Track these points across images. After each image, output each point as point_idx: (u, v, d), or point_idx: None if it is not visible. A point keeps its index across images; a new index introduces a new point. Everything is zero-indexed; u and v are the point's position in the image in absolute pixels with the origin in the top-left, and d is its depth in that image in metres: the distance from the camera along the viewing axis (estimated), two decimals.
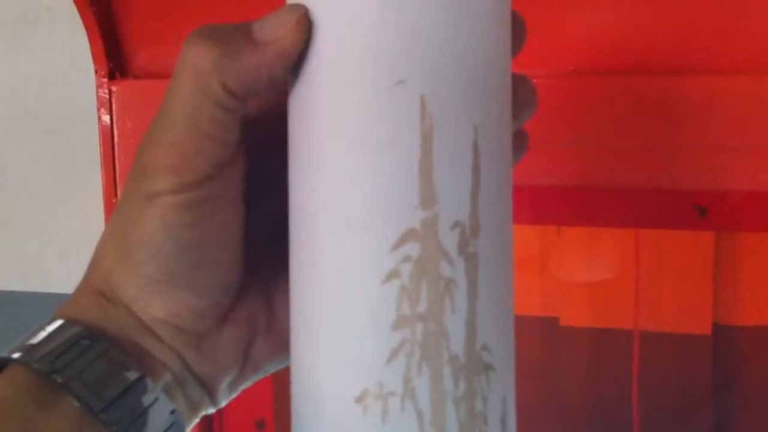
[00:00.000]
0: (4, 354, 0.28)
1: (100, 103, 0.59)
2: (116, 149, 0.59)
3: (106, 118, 0.59)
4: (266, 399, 0.59)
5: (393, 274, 0.27)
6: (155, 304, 0.30)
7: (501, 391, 0.29)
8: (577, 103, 0.50)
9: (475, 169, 0.28)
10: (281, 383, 0.62)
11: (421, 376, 0.27)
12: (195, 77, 0.28)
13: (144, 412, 0.28)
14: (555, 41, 0.51)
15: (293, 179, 0.30)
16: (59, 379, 0.27)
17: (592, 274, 0.64)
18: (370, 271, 0.28)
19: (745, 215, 0.49)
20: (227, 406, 0.61)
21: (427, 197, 0.27)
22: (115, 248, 0.30)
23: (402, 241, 0.27)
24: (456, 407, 0.28)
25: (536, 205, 0.53)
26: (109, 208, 0.60)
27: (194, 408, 0.32)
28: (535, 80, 0.52)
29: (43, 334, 0.29)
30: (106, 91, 0.59)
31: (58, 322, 0.30)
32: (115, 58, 0.59)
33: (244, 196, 0.31)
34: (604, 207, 0.51)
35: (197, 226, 0.29)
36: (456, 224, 0.28)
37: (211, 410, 0.33)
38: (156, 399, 0.29)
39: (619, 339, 0.65)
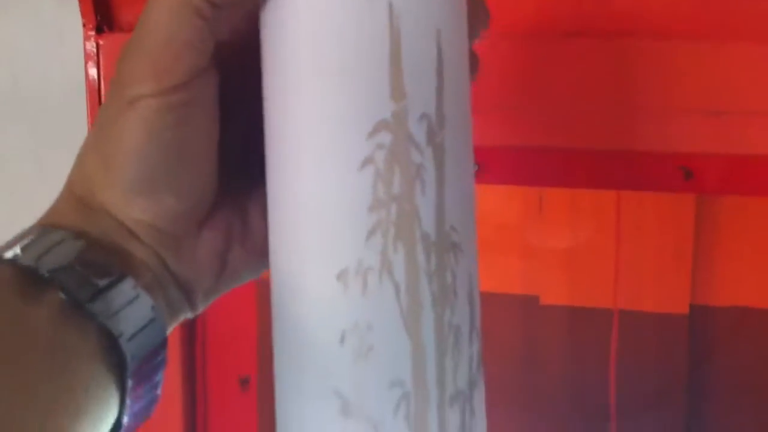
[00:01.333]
0: None
1: (88, 57, 0.58)
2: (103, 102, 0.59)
3: (93, 71, 0.59)
4: (251, 356, 0.58)
5: (368, 161, 0.30)
6: (137, 207, 0.31)
7: (467, 268, 0.32)
8: (569, 64, 0.51)
9: (439, 67, 0.31)
10: (265, 340, 0.62)
11: (397, 253, 0.30)
12: None
13: (125, 306, 0.29)
14: (540, 3, 0.52)
15: (268, 77, 0.32)
16: (45, 273, 0.28)
17: (573, 242, 0.64)
18: (348, 158, 0.30)
19: (730, 179, 0.50)
20: (210, 362, 0.61)
21: (398, 91, 0.30)
22: (96, 154, 0.31)
23: (375, 130, 0.30)
24: (429, 280, 0.30)
25: (520, 166, 0.53)
26: None
27: (174, 311, 0.33)
28: (520, 42, 0.53)
29: (25, 241, 0.29)
30: (94, 45, 0.58)
31: (40, 228, 0.30)
32: (102, 12, 0.59)
33: (219, 106, 0.32)
34: (589, 168, 0.52)
35: (177, 129, 0.30)
36: (423, 116, 0.30)
37: (190, 315, 0.34)
38: (137, 295, 0.30)
39: (598, 318, 0.65)
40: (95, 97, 0.59)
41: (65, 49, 0.70)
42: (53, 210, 0.32)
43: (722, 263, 0.63)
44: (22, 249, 0.29)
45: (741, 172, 0.49)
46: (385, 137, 0.30)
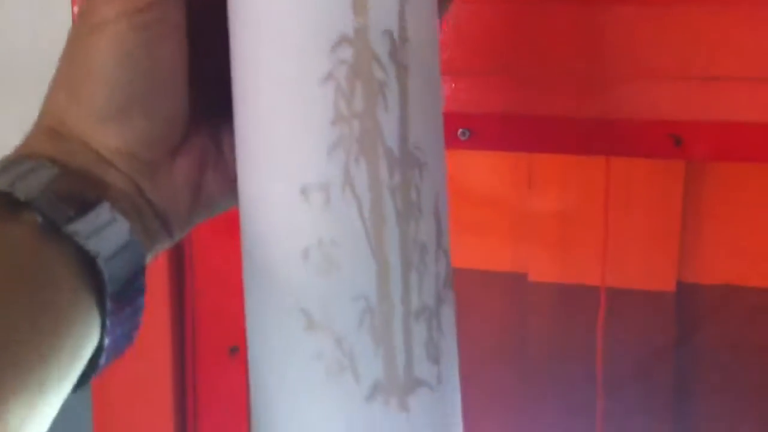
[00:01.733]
0: None
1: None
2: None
3: None
4: (240, 325, 0.58)
5: (329, 76, 0.30)
6: (109, 133, 0.31)
7: (433, 187, 0.32)
8: (559, 30, 0.51)
9: None
10: None
11: (359, 167, 0.30)
12: None
13: (102, 228, 0.29)
14: None
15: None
16: (21, 197, 0.28)
17: (562, 217, 0.65)
18: (308, 72, 0.30)
19: (720, 146, 0.51)
20: (200, 332, 0.61)
21: (360, 6, 0.30)
22: (66, 83, 0.31)
23: (337, 45, 0.30)
24: (392, 195, 0.30)
25: (510, 132, 0.54)
26: None
27: (152, 240, 0.33)
28: (504, 4, 0.53)
29: None
30: None
31: (14, 158, 0.30)
32: None
33: (189, 30, 0.32)
34: (579, 134, 0.52)
35: (144, 51, 0.30)
36: (386, 33, 0.30)
37: (168, 244, 0.34)
38: (114, 219, 0.30)
39: (585, 295, 0.66)
40: None
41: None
42: (26, 142, 0.31)
43: (709, 241, 0.64)
44: None
45: (730, 139, 0.50)
46: (347, 52, 0.30)
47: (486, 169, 0.67)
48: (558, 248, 0.67)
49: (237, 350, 0.59)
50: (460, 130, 0.53)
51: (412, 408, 0.31)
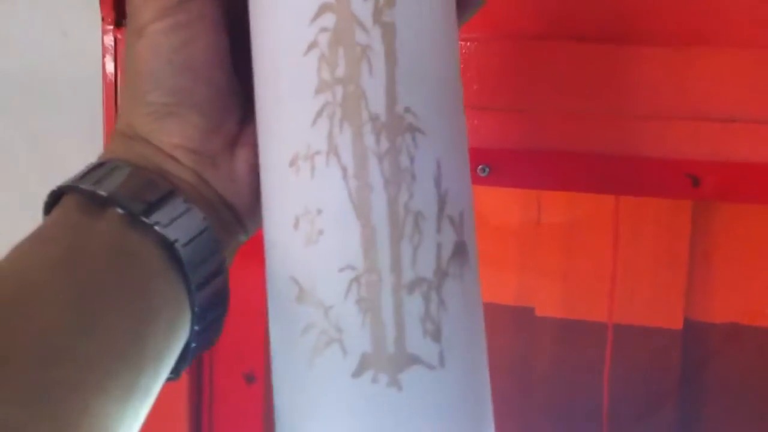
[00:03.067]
0: (55, 189, 0.31)
1: (105, 51, 0.59)
2: (119, 97, 0.59)
3: (110, 66, 0.59)
4: (257, 352, 0.58)
5: (313, 45, 0.30)
6: (167, 130, 0.33)
7: (433, 153, 0.30)
8: (575, 67, 0.52)
9: None
10: None
11: (343, 134, 0.30)
12: None
13: (178, 217, 0.31)
14: (555, 3, 0.53)
15: None
16: (103, 193, 0.30)
17: (569, 253, 0.65)
18: (293, 44, 0.30)
19: (736, 186, 0.51)
20: (217, 358, 0.61)
21: None
22: (127, 88, 0.33)
23: (319, 13, 0.30)
24: (379, 161, 0.30)
25: (524, 168, 0.54)
26: None
27: (228, 231, 0.35)
28: (526, 42, 0.54)
29: (80, 173, 0.32)
30: (112, 39, 0.59)
31: (93, 163, 0.32)
32: (121, 6, 0.60)
33: (226, 22, 0.33)
34: (591, 172, 0.53)
35: (185, 49, 0.32)
36: None
37: (243, 235, 0.36)
38: (188, 208, 0.32)
39: (593, 331, 0.66)
40: (112, 91, 0.59)
41: (74, 42, 0.71)
42: (107, 147, 0.34)
43: (717, 279, 0.64)
44: (81, 179, 0.31)
45: (747, 180, 0.51)
46: (329, 19, 0.29)
47: (495, 202, 0.67)
48: (565, 283, 0.67)
49: (253, 378, 0.59)
50: (480, 166, 0.54)
51: (405, 386, 0.30)
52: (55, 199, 0.32)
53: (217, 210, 0.34)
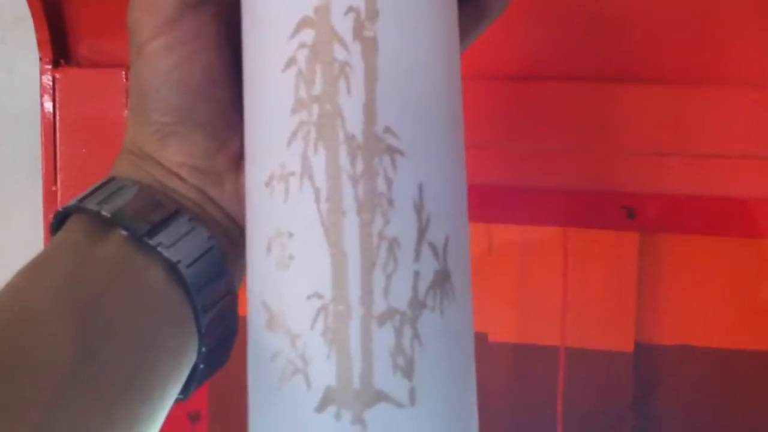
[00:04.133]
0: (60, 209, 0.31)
1: (44, 90, 0.58)
2: (57, 136, 0.59)
3: (49, 105, 0.59)
4: (200, 390, 0.58)
5: (291, 62, 0.28)
6: (171, 149, 0.32)
7: (414, 177, 0.28)
8: (519, 105, 0.53)
9: None
10: (216, 374, 0.61)
11: (318, 155, 0.28)
12: None
13: (182, 237, 0.31)
14: (494, 48, 0.54)
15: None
16: (107, 214, 0.30)
17: (521, 280, 0.66)
18: (272, 60, 0.29)
19: (671, 218, 0.52)
20: None
21: None
22: (131, 107, 0.33)
23: (298, 28, 0.28)
24: (353, 185, 0.28)
25: (470, 203, 0.55)
26: (48, 195, 0.59)
27: (237, 247, 0.34)
28: (475, 83, 0.54)
29: (87, 191, 0.31)
30: (50, 79, 0.59)
31: (102, 182, 0.32)
32: (59, 46, 0.60)
33: (224, 39, 0.32)
34: (537, 206, 0.54)
35: (184, 67, 0.31)
36: (350, 9, 0.28)
37: None
38: (193, 228, 0.31)
39: (545, 355, 0.67)
40: (50, 130, 0.59)
41: (20, 79, 0.71)
42: (114, 166, 0.33)
43: (666, 302, 0.65)
44: (87, 198, 0.31)
45: (681, 212, 0.52)
46: (308, 35, 0.28)
47: None
48: (517, 308, 0.68)
49: (198, 418, 0.59)
50: None
51: (370, 425, 0.28)
52: (61, 219, 0.31)
53: (224, 228, 0.33)
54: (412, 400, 0.28)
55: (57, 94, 0.57)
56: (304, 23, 0.28)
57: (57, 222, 0.32)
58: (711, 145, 0.51)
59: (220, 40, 0.32)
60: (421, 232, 0.28)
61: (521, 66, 0.53)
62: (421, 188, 0.28)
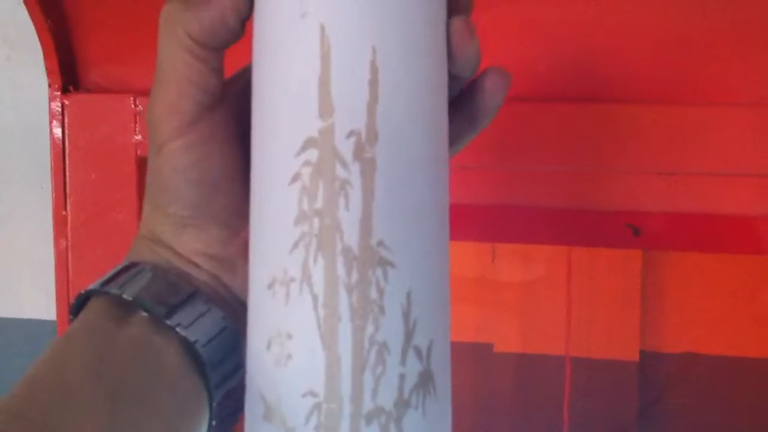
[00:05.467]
0: (82, 292, 0.34)
1: (52, 116, 0.59)
2: (67, 162, 0.60)
3: (58, 131, 0.60)
4: None
5: (296, 177, 0.31)
6: (187, 238, 0.35)
7: (403, 286, 0.31)
8: (523, 126, 0.54)
9: (372, 84, 0.31)
10: None
11: (317, 264, 0.31)
12: (165, 27, 0.34)
13: (199, 317, 0.34)
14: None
15: (252, 112, 0.34)
16: (129, 298, 0.33)
17: (526, 290, 0.67)
18: (279, 175, 0.32)
19: (675, 236, 0.53)
20: None
21: (325, 109, 0.31)
22: (149, 198, 0.36)
23: (304, 147, 0.31)
24: (348, 293, 0.31)
25: (475, 222, 0.56)
26: (58, 220, 0.60)
27: (245, 330, 0.35)
28: None
29: (108, 275, 0.34)
30: (59, 105, 0.60)
31: (120, 266, 0.35)
32: (68, 73, 0.60)
33: (240, 139, 0.35)
34: (542, 224, 0.55)
35: (201, 165, 0.34)
36: (352, 133, 0.31)
37: None
38: (209, 309, 0.34)
39: (551, 364, 0.67)
40: (60, 155, 0.60)
41: (24, 108, 0.72)
42: (130, 252, 0.36)
43: (669, 311, 0.66)
44: (108, 283, 0.34)
45: (684, 229, 0.53)
46: (312, 154, 0.31)
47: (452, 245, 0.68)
48: (522, 318, 0.68)
49: None
50: None
51: None
52: (82, 301, 0.34)
53: (235, 311, 0.36)
54: None
55: (66, 119, 0.58)
56: (309, 143, 0.31)
57: (78, 303, 0.34)
58: (712, 164, 0.52)
59: (233, 138, 0.35)
60: (408, 336, 0.31)
61: (524, 87, 0.54)
62: (409, 296, 0.31)
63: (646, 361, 0.67)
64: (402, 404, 0.31)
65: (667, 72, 0.53)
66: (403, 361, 0.31)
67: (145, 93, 0.60)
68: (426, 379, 0.32)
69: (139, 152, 0.60)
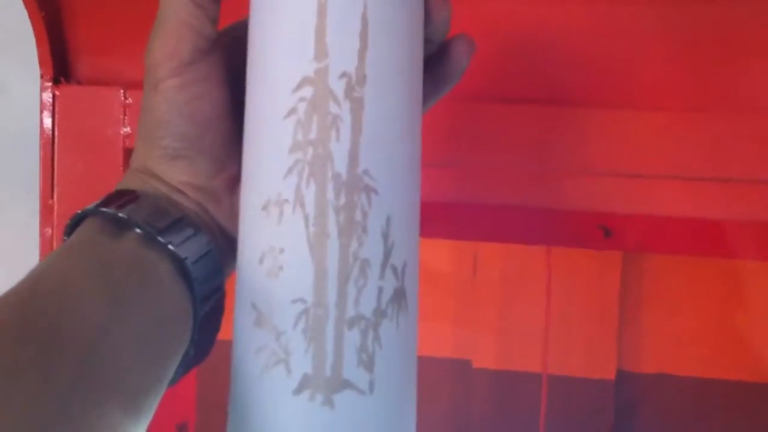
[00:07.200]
0: (78, 212, 0.37)
1: (43, 107, 0.61)
2: (56, 152, 0.61)
3: (48, 121, 0.61)
4: (188, 401, 0.59)
5: (292, 111, 0.36)
6: (177, 169, 0.39)
7: (384, 211, 0.36)
8: (504, 127, 0.55)
9: (363, 34, 0.35)
10: (204, 386, 0.62)
11: (309, 188, 0.35)
12: None
13: (187, 239, 0.37)
14: (485, 68, 0.57)
15: (249, 54, 0.38)
16: (123, 215, 0.36)
17: (505, 305, 0.67)
18: (276, 109, 0.36)
19: (647, 238, 0.55)
20: None
21: (320, 53, 0.35)
22: (141, 134, 0.40)
23: (300, 85, 0.35)
24: (336, 214, 0.35)
25: (455, 221, 0.57)
26: (45, 209, 0.61)
27: (224, 257, 0.40)
28: (458, 103, 0.57)
29: (101, 200, 0.37)
30: (50, 95, 0.61)
31: (112, 192, 0.38)
32: (59, 64, 0.62)
33: (230, 83, 0.40)
34: (519, 225, 0.56)
35: (195, 102, 0.38)
36: (344, 74, 0.35)
37: (233, 264, 0.41)
38: (195, 232, 0.38)
39: (528, 382, 0.68)
40: (49, 146, 0.61)
41: (13, 97, 0.73)
42: (121, 183, 0.40)
43: (646, 330, 0.66)
44: (102, 205, 0.37)
45: (657, 232, 0.54)
46: (308, 91, 0.35)
47: (431, 255, 0.69)
48: (500, 335, 0.69)
49: (185, 428, 0.60)
50: None
51: (337, 406, 0.35)
52: (76, 222, 0.37)
53: (216, 239, 0.40)
54: (371, 389, 0.36)
55: (56, 110, 0.59)
56: (305, 81, 0.35)
57: (72, 224, 0.37)
58: (675, 167, 0.54)
59: (223, 81, 0.39)
60: (386, 255, 0.36)
61: (507, 90, 0.56)
62: (388, 220, 0.36)
63: (622, 380, 0.68)
64: (379, 314, 0.36)
65: (634, 79, 0.55)
66: (381, 276, 0.36)
67: (134, 85, 0.62)
68: (400, 295, 0.37)
69: (126, 144, 0.61)
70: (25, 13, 0.60)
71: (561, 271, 0.66)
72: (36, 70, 0.61)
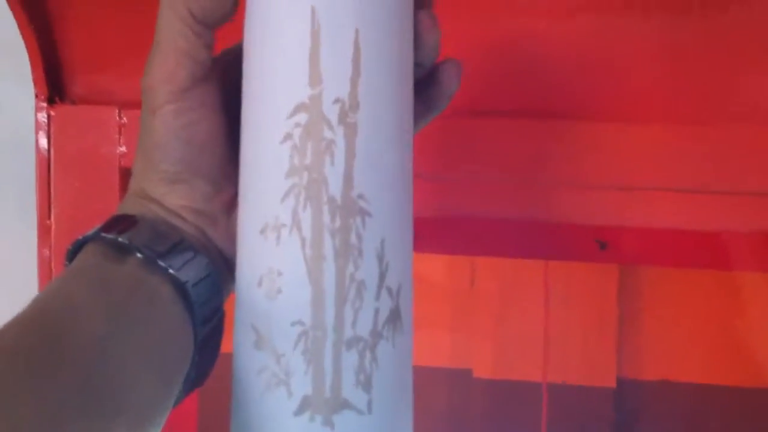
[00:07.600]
0: (79, 238, 0.38)
1: (38, 127, 0.61)
2: (52, 172, 0.61)
3: (44, 141, 0.61)
4: (190, 420, 0.60)
5: (287, 136, 0.36)
6: (176, 193, 0.40)
7: (378, 234, 0.37)
8: (501, 140, 0.55)
9: (356, 60, 0.36)
10: (206, 405, 0.62)
11: (305, 212, 0.36)
12: (168, 2, 0.38)
13: (187, 262, 0.38)
14: (476, 83, 0.57)
15: (244, 80, 0.39)
16: (124, 240, 0.37)
17: (503, 315, 0.67)
18: (272, 134, 0.37)
19: (643, 250, 0.55)
20: None
21: (314, 79, 0.36)
22: (140, 158, 0.40)
23: (294, 111, 0.36)
24: (332, 237, 0.36)
25: (452, 236, 0.57)
26: (43, 229, 0.61)
27: (223, 279, 0.41)
28: (451, 118, 0.57)
29: (102, 225, 0.38)
30: (45, 115, 0.61)
31: (112, 217, 0.39)
32: (54, 84, 0.62)
33: (225, 108, 0.40)
34: (515, 239, 0.56)
35: (192, 127, 0.39)
36: (337, 100, 0.36)
37: (232, 284, 0.41)
38: (195, 255, 0.39)
39: (528, 391, 0.68)
40: (45, 165, 0.61)
41: (7, 118, 0.73)
42: (122, 205, 0.41)
43: (646, 337, 0.66)
44: (102, 230, 0.38)
45: (652, 245, 0.54)
46: (302, 117, 0.36)
47: (428, 266, 0.69)
48: (500, 345, 0.69)
49: None
50: None
51: (337, 426, 0.36)
52: (77, 248, 0.38)
53: (215, 260, 0.41)
54: (370, 408, 0.37)
55: (52, 130, 0.59)
56: (300, 108, 0.36)
57: (74, 249, 0.38)
58: (681, 180, 0.54)
59: (218, 107, 0.40)
60: (382, 277, 0.37)
61: (500, 104, 0.56)
62: (383, 242, 0.37)
63: (623, 388, 0.67)
64: (376, 334, 0.37)
65: (630, 92, 0.56)
66: (377, 297, 0.37)
67: (129, 105, 0.62)
68: (395, 316, 0.38)
69: (122, 163, 0.61)
70: (18, 33, 0.60)
71: (558, 282, 0.66)
72: (31, 90, 0.62)
